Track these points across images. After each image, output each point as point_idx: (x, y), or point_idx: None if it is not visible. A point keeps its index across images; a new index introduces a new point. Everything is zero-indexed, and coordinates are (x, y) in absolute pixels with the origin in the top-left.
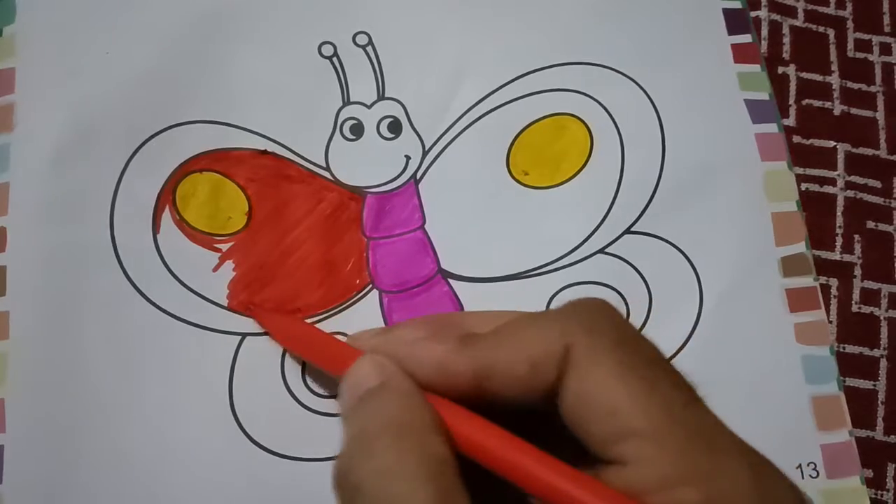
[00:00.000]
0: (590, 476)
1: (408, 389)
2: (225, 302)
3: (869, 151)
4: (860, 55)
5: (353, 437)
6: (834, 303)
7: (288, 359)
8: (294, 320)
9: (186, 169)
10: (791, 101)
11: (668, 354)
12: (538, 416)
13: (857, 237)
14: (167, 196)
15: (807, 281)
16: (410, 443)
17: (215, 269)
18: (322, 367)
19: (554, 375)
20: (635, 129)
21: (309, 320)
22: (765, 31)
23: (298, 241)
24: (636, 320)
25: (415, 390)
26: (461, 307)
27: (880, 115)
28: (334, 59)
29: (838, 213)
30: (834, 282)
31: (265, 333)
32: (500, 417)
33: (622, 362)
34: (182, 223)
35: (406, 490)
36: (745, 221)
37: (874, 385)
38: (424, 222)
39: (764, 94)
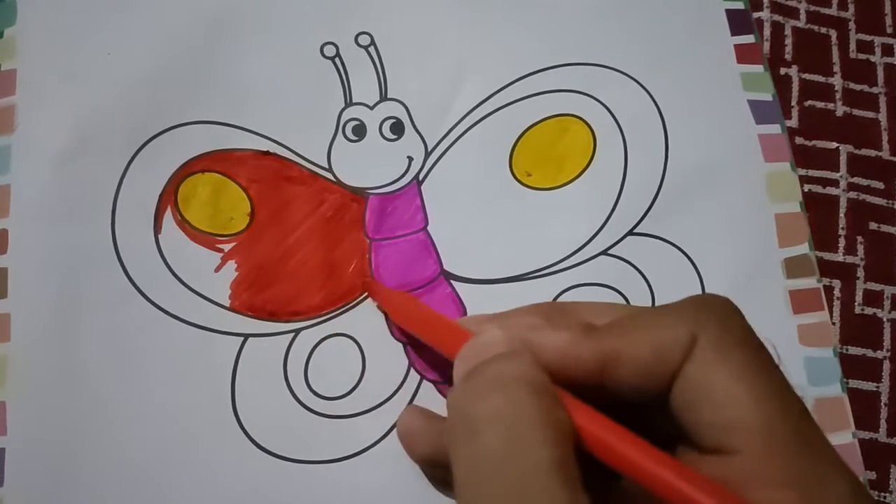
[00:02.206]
0: (694, 470)
1: (534, 360)
2: (227, 302)
3: (871, 153)
4: (862, 56)
5: (486, 381)
6: (837, 304)
7: (290, 359)
8: (408, 297)
9: (188, 169)
10: (793, 103)
11: None
12: (630, 410)
13: (859, 238)
14: (169, 196)
15: (810, 282)
16: (542, 401)
17: (217, 269)
18: (434, 343)
19: (678, 362)
20: (638, 130)
21: (311, 322)
22: (767, 33)
23: (300, 242)
24: None
25: (540, 365)
26: (464, 309)
27: (882, 117)
28: (336, 59)
29: (841, 215)
30: (837, 283)
31: (271, 334)
32: (600, 407)
33: (748, 360)
34: (184, 224)
35: (537, 439)
36: (748, 222)
37: (877, 387)
38: (427, 224)
39: (767, 95)
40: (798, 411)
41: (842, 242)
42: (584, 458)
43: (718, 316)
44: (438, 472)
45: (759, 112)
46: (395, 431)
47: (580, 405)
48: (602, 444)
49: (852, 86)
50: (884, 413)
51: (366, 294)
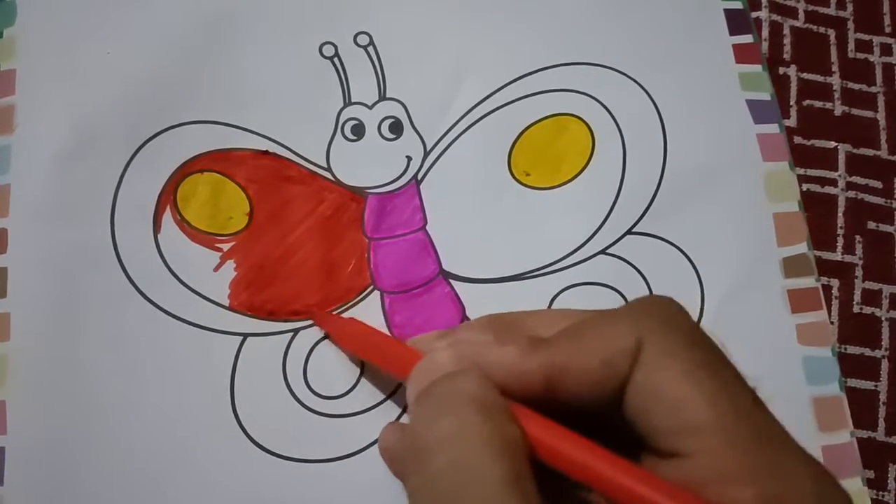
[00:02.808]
0: (650, 472)
1: (484, 378)
2: (226, 302)
3: (870, 152)
4: (861, 56)
5: (433, 403)
6: (835, 303)
7: (289, 359)
8: (352, 321)
9: (187, 169)
10: (792, 102)
11: None
12: (589, 416)
13: (858, 238)
14: (168, 196)
15: (808, 282)
16: (493, 420)
17: (216, 268)
18: (384, 367)
19: (626, 370)
20: (637, 130)
21: (310, 321)
22: (765, 32)
23: (299, 241)
24: None
25: (490, 382)
26: (463, 308)
27: (881, 116)
28: (335, 59)
29: (839, 214)
30: (835, 282)
31: (270, 334)
32: (557, 420)
33: (694, 360)
34: (183, 223)
35: (488, 458)
36: (746, 222)
37: (875, 386)
38: (426, 223)
39: (765, 95)
40: (750, 405)
41: (840, 241)
42: (544, 473)
43: (662, 318)
44: None
45: (758, 111)
46: None
47: (534, 416)
48: (558, 454)
49: (851, 85)
50: (882, 412)
51: (366, 293)
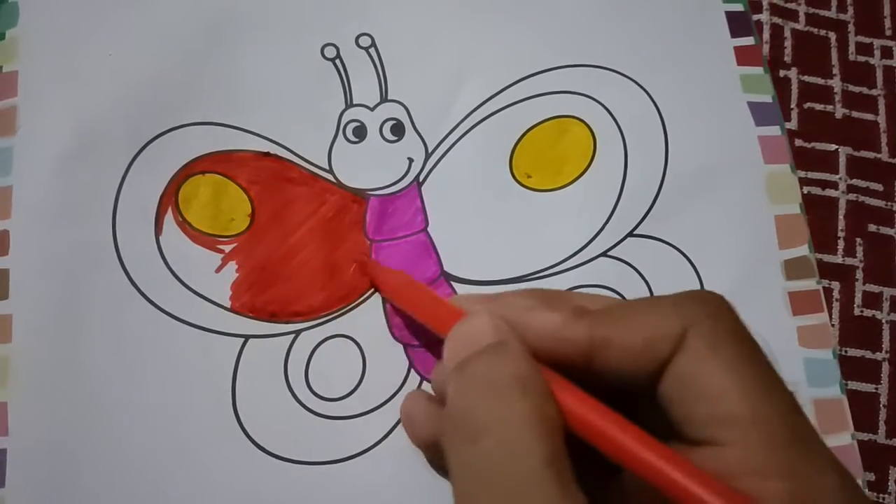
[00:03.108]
0: (681, 456)
1: (524, 350)
2: (228, 303)
3: (870, 154)
4: (861, 58)
5: (477, 382)
6: (836, 306)
7: (291, 360)
8: (400, 274)
9: (189, 171)
10: (793, 105)
11: None
12: (622, 398)
13: (858, 240)
14: (170, 198)
15: (809, 284)
16: (533, 398)
17: (218, 270)
18: (427, 322)
19: (667, 354)
20: (638, 132)
21: (311, 323)
22: (766, 35)
23: (301, 243)
24: None
25: (529, 353)
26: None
27: (881, 119)
28: (337, 61)
29: (840, 216)
30: (836, 285)
31: (271, 335)
32: (591, 392)
33: (738, 354)
34: (184, 225)
35: (529, 440)
36: (747, 224)
37: (876, 388)
38: (427, 225)
39: (767, 97)
40: (789, 405)
41: (841, 244)
42: (577, 450)
43: (710, 310)
44: (438, 457)
45: (759, 114)
46: (395, 432)
47: (570, 387)
48: (590, 426)
49: (851, 88)
50: (882, 414)
51: (367, 295)
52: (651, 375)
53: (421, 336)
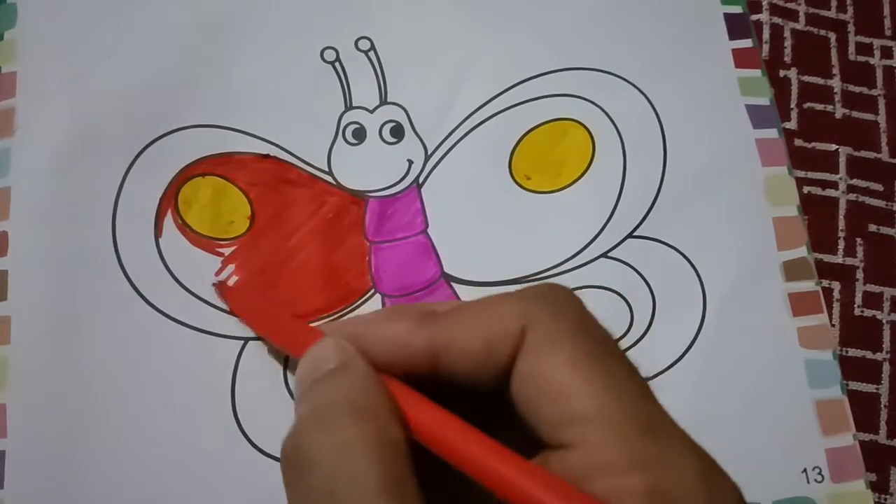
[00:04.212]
0: (534, 464)
1: (365, 372)
2: (227, 306)
3: (870, 154)
4: (861, 58)
5: (310, 413)
6: (836, 306)
7: (290, 362)
8: (259, 300)
9: (188, 173)
10: (793, 105)
11: (671, 359)
12: (491, 399)
13: (858, 240)
14: (169, 200)
15: (809, 285)
16: (367, 424)
17: (217, 273)
18: (283, 347)
19: (509, 355)
20: (637, 134)
21: (312, 324)
22: (766, 35)
23: (300, 245)
24: (639, 325)
25: (372, 373)
26: None
27: (882, 119)
28: (337, 63)
29: (840, 217)
30: (836, 285)
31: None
32: (455, 399)
33: (580, 349)
34: (184, 227)
35: (360, 468)
36: (746, 226)
37: (877, 388)
38: (427, 226)
39: (764, 100)
40: (636, 395)
41: (841, 244)
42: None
43: (549, 305)
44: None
45: (757, 116)
46: None
47: (421, 402)
48: (437, 441)
49: (851, 88)
50: (884, 415)
51: (367, 296)
52: (497, 378)
53: None
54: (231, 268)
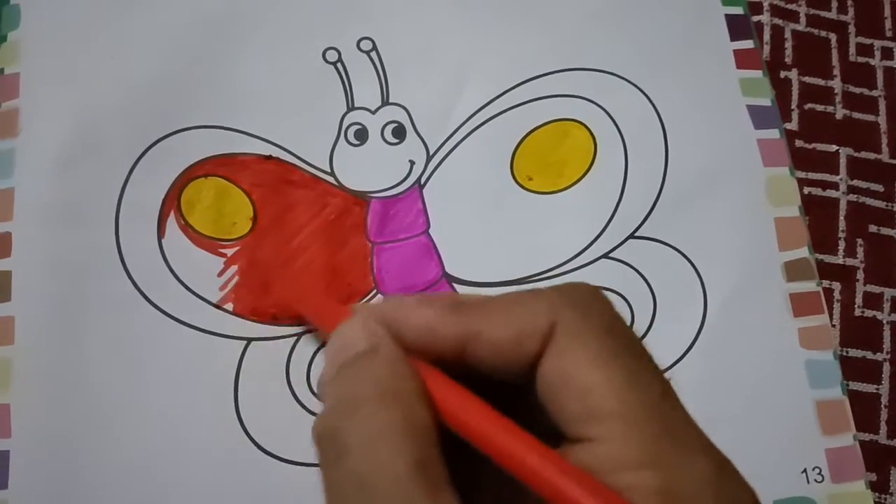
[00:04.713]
0: (556, 453)
1: (396, 355)
2: (230, 306)
3: (871, 155)
4: (862, 59)
5: (341, 396)
6: (837, 307)
7: (293, 364)
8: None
9: (191, 174)
10: (793, 106)
11: (672, 359)
12: (516, 390)
13: (859, 241)
14: (172, 201)
15: (810, 286)
16: (398, 408)
17: (220, 273)
18: (314, 321)
19: (537, 349)
20: (638, 135)
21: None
22: (767, 36)
23: (303, 245)
24: (640, 325)
25: (402, 357)
26: None
27: (882, 120)
28: (339, 64)
29: (841, 217)
30: (836, 286)
31: (274, 338)
32: (481, 388)
33: (606, 347)
34: (187, 228)
35: (391, 453)
36: (747, 226)
37: (877, 389)
38: (429, 227)
39: (766, 100)
40: (658, 394)
41: (841, 245)
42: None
43: (578, 303)
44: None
45: (758, 117)
46: None
47: (451, 387)
48: (460, 421)
49: (852, 89)
50: (884, 415)
51: (369, 297)
52: (524, 371)
53: None
54: (234, 268)
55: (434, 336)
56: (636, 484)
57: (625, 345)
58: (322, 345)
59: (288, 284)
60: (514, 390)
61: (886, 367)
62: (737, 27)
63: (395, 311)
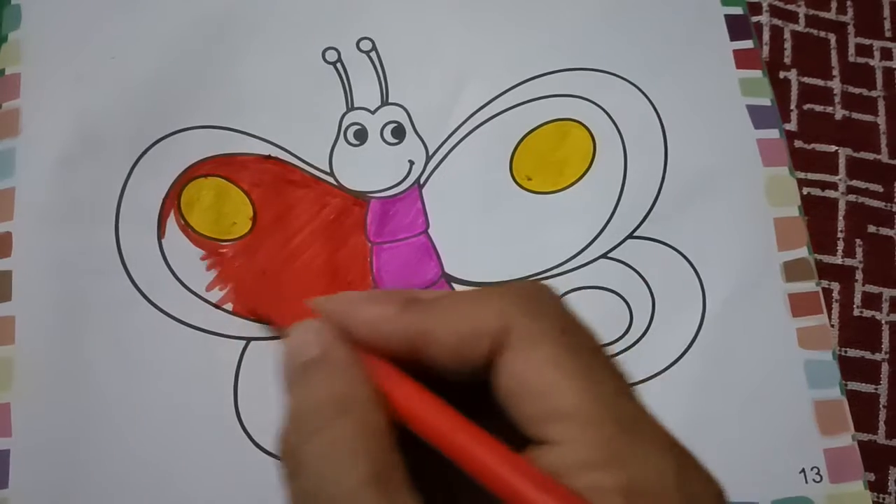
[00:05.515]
0: (515, 453)
1: (346, 360)
2: (230, 306)
3: (870, 156)
4: (861, 60)
5: (296, 411)
6: (835, 307)
7: None
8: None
9: (191, 174)
10: (792, 106)
11: (671, 359)
12: (479, 389)
13: (858, 241)
14: (172, 201)
15: (809, 286)
16: (348, 418)
17: (212, 270)
18: (278, 324)
19: (486, 351)
20: (638, 135)
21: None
22: (766, 37)
23: (302, 245)
24: (639, 325)
25: (353, 361)
26: None
27: (881, 120)
28: (338, 64)
29: (840, 218)
30: (835, 286)
31: (273, 337)
32: (444, 386)
33: (561, 347)
34: (187, 228)
35: (344, 466)
36: (747, 226)
37: (876, 389)
38: (428, 227)
39: (765, 100)
40: (617, 393)
41: (840, 245)
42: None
43: (531, 303)
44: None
45: (758, 117)
46: None
47: (409, 386)
48: (425, 426)
49: (851, 89)
50: (882, 415)
51: None
52: (478, 371)
53: None
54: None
55: (383, 334)
56: (598, 484)
57: (579, 343)
58: None
59: (287, 284)
60: (478, 389)
61: (885, 368)
62: (736, 27)
63: (350, 306)
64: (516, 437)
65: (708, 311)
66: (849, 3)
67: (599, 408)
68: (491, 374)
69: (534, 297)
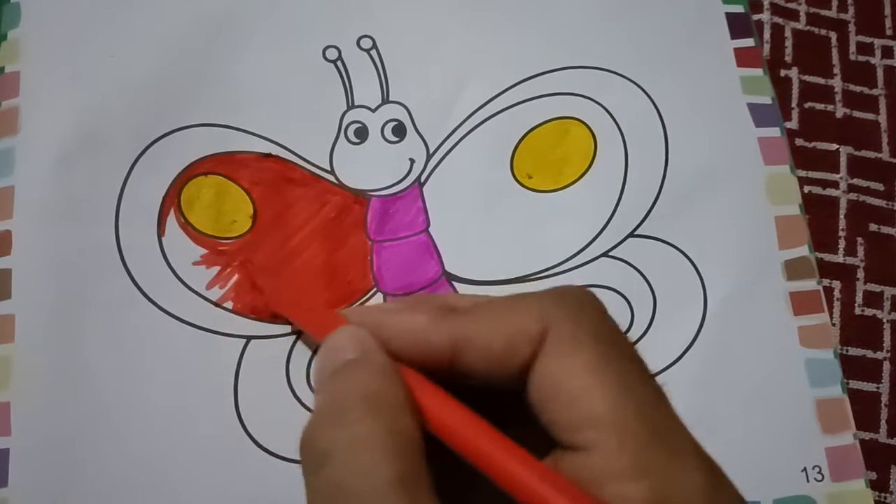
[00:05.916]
0: (544, 464)
1: (384, 364)
2: (230, 305)
3: (871, 154)
4: (862, 58)
5: (327, 405)
6: (837, 305)
7: (293, 361)
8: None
9: (191, 172)
10: (793, 104)
11: (672, 358)
12: (510, 396)
13: (859, 240)
14: (172, 199)
15: (810, 284)
16: (382, 417)
17: (216, 270)
18: (306, 329)
19: (528, 355)
20: (639, 133)
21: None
22: (767, 35)
23: (303, 244)
24: (640, 324)
25: (390, 366)
26: None
27: (882, 118)
28: (339, 62)
29: (841, 216)
30: (837, 284)
31: (273, 336)
32: (472, 395)
33: (598, 354)
34: (187, 226)
35: (372, 463)
36: (748, 225)
37: (877, 387)
38: (429, 225)
39: (766, 98)
40: (651, 403)
41: (842, 244)
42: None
43: (571, 309)
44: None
45: (759, 115)
46: None
47: (438, 395)
48: (452, 435)
49: (852, 87)
50: (884, 414)
51: (369, 295)
52: (515, 377)
53: None
54: (234, 266)
55: (424, 343)
56: (628, 495)
57: (617, 351)
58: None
59: (287, 283)
60: (506, 398)
61: (886, 366)
62: (737, 25)
63: (385, 316)
64: (543, 446)
65: (709, 310)
66: (849, 1)
67: (634, 417)
68: (527, 378)
69: (574, 301)
